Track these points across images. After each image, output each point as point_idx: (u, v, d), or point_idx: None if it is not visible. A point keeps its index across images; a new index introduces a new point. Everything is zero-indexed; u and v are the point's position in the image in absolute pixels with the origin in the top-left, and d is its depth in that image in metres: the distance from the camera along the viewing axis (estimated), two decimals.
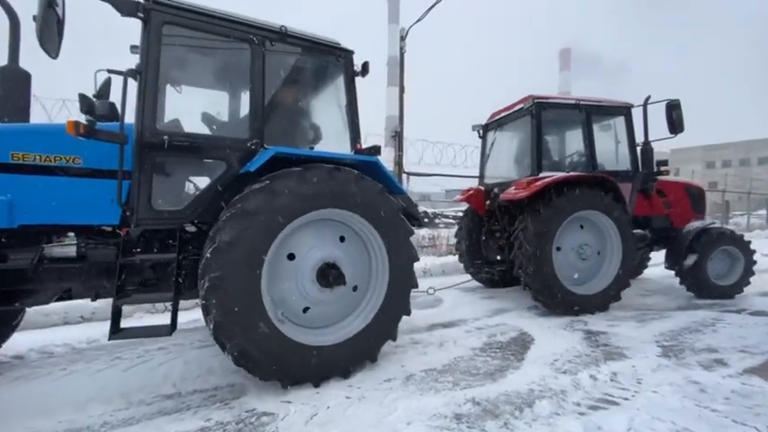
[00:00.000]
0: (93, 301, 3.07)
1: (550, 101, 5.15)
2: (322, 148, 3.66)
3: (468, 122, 6.40)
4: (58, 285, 2.83)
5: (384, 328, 3.18)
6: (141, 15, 2.69)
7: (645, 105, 5.30)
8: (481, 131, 6.25)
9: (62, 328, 4.48)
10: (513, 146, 5.91)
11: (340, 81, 3.56)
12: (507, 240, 5.00)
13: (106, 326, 2.69)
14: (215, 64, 3.57)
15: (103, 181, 2.75)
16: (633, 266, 5.14)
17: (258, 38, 3.08)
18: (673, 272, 5.61)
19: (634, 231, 5.12)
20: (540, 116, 5.02)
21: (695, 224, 5.60)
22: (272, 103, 3.40)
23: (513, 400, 2.63)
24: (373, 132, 11.19)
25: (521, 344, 3.79)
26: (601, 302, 4.77)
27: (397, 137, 9.79)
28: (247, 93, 3.13)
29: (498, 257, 5.68)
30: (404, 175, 10.08)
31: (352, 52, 3.53)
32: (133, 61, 2.89)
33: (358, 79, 3.63)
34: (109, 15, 2.68)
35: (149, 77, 2.72)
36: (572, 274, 4.78)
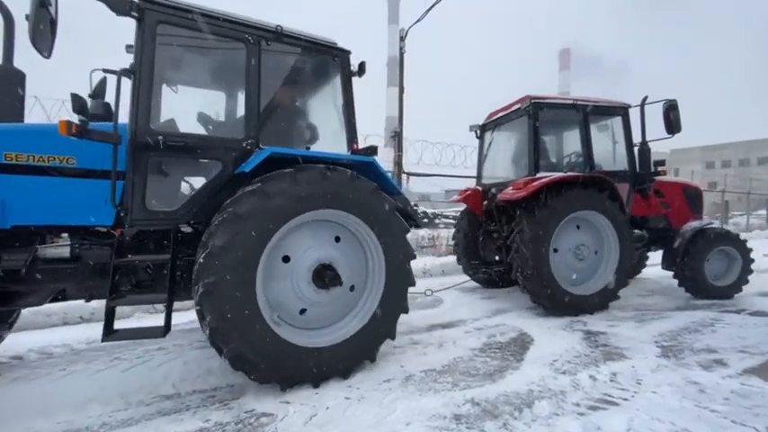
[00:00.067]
0: (87, 302, 3.05)
1: (547, 101, 5.14)
2: (319, 148, 3.65)
3: (467, 123, 6.40)
4: (52, 286, 2.81)
5: (382, 327, 3.17)
6: (135, 14, 2.67)
7: (642, 106, 5.30)
8: (478, 132, 6.24)
9: (61, 328, 4.48)
10: (510, 146, 5.91)
11: (337, 81, 3.54)
12: (505, 241, 5.00)
13: (101, 328, 2.69)
14: (211, 64, 3.55)
15: (98, 181, 2.74)
16: (631, 266, 5.14)
17: (254, 37, 3.06)
18: (671, 272, 5.61)
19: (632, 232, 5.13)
20: (537, 116, 5.02)
21: (692, 224, 5.60)
22: (268, 103, 3.38)
23: (512, 400, 2.63)
24: (373, 133, 11.22)
25: (520, 344, 3.79)
26: (599, 302, 4.77)
27: (397, 137, 9.79)
28: (243, 93, 3.11)
29: (496, 258, 5.68)
30: (403, 176, 10.09)
31: (348, 52, 3.52)
32: (131, 61, 2.88)
33: (357, 79, 3.62)
34: (110, 15, 2.66)
35: (143, 77, 2.70)
36: (570, 275, 4.78)
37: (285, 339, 2.76)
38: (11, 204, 2.56)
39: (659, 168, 5.39)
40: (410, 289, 3.36)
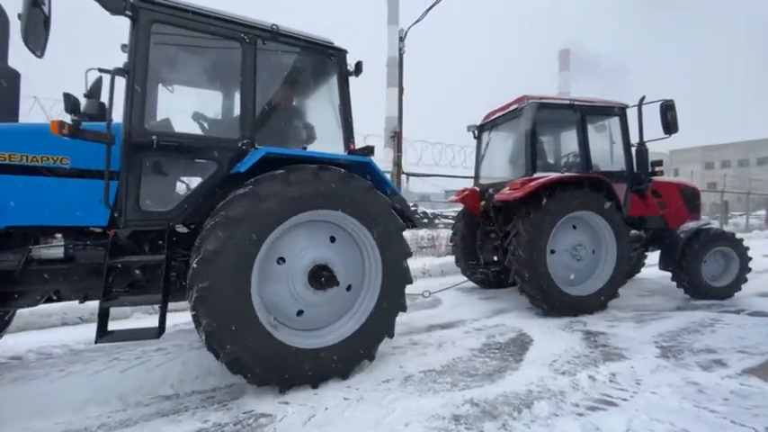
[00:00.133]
0: (81, 303, 3.02)
1: (545, 101, 5.14)
2: (316, 148, 3.64)
3: (467, 123, 6.40)
4: (45, 287, 2.79)
5: (381, 325, 3.16)
6: (129, 14, 2.66)
7: (640, 106, 5.30)
8: (476, 132, 6.24)
9: (60, 329, 4.47)
10: (507, 146, 5.90)
11: (333, 80, 3.52)
12: (502, 241, 5.00)
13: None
14: (206, 63, 3.53)
15: (92, 181, 2.72)
16: (629, 267, 5.14)
17: (249, 37, 3.05)
18: (669, 272, 5.61)
19: (629, 232, 5.12)
20: (534, 116, 5.01)
21: (690, 225, 5.60)
22: (264, 103, 3.37)
23: (511, 401, 2.62)
24: (373, 133, 11.19)
25: (519, 345, 3.78)
26: (596, 302, 4.77)
27: (396, 137, 9.79)
28: (239, 92, 3.09)
29: (494, 258, 5.68)
30: (403, 176, 10.08)
31: (345, 51, 3.50)
32: (125, 60, 2.86)
33: (356, 79, 3.61)
34: (109, 15, 2.65)
35: (137, 76, 2.68)
36: (568, 276, 4.78)
37: (282, 342, 2.75)
38: (4, 205, 2.55)
39: (656, 168, 5.39)
40: (407, 290, 3.34)
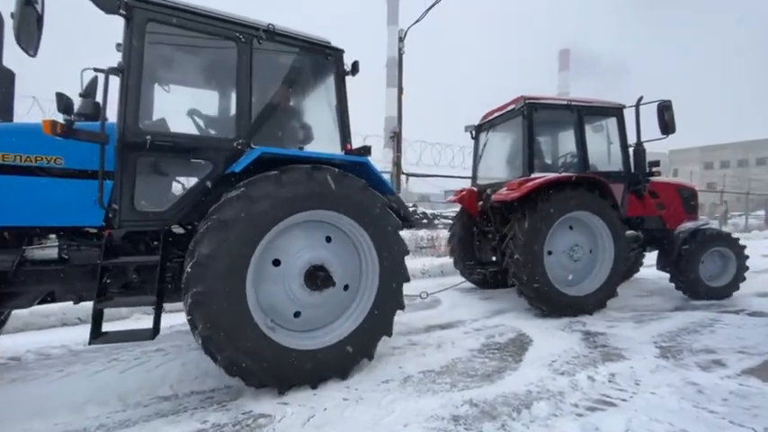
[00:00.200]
0: (75, 304, 2.99)
1: (542, 101, 5.14)
2: (313, 148, 3.62)
3: (466, 123, 6.40)
4: (40, 288, 2.77)
5: (379, 324, 3.15)
6: (123, 13, 2.64)
7: (637, 106, 5.31)
8: (473, 132, 6.24)
9: (59, 329, 4.46)
10: (505, 146, 5.90)
11: (330, 80, 3.51)
12: (499, 242, 5.00)
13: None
14: (202, 63, 3.51)
15: (86, 181, 2.70)
16: (626, 267, 5.14)
17: (245, 36, 3.03)
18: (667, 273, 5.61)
19: (627, 233, 5.12)
20: (531, 117, 5.01)
21: (687, 225, 5.61)
22: (260, 103, 3.35)
23: (510, 401, 2.62)
24: (373, 133, 11.19)
25: (519, 345, 3.78)
26: (595, 302, 4.77)
27: (396, 138, 9.79)
28: (235, 92, 3.08)
29: (492, 258, 5.67)
30: (402, 176, 10.08)
31: (342, 51, 3.48)
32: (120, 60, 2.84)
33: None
34: (105, 14, 2.64)
35: (132, 76, 2.66)
36: (566, 276, 4.78)
37: (280, 344, 2.73)
38: None
39: (654, 169, 5.40)
40: (405, 292, 3.33)
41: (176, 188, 3.25)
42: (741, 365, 3.16)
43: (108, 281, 2.74)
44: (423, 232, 10.94)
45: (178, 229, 3.10)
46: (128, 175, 2.68)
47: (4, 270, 2.59)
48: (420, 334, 4.16)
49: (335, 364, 2.93)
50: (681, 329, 4.16)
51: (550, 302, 4.55)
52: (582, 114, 5.22)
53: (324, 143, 3.59)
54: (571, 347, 3.63)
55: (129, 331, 2.76)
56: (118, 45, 2.91)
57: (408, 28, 9.97)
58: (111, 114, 2.69)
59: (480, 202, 5.77)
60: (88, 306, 4.53)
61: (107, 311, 4.47)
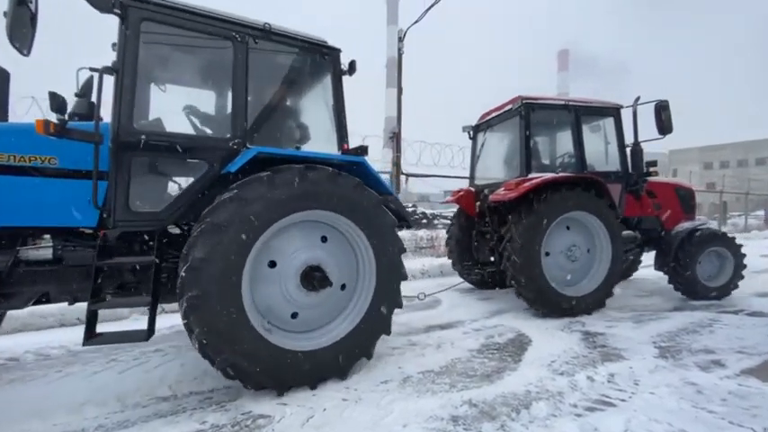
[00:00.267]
0: (70, 305, 2.97)
1: (539, 101, 5.13)
2: (310, 148, 3.60)
3: (465, 123, 6.40)
4: (34, 289, 2.75)
5: (377, 322, 3.14)
6: (118, 12, 2.63)
7: (634, 106, 5.31)
8: (471, 132, 6.24)
9: (58, 330, 4.46)
10: (502, 147, 5.90)
11: (327, 80, 3.49)
12: (497, 242, 5.00)
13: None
14: (197, 62, 3.50)
15: (81, 182, 2.68)
16: (625, 267, 5.14)
17: (241, 35, 3.02)
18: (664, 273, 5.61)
19: (624, 233, 5.12)
20: (528, 117, 5.01)
21: (685, 225, 5.61)
22: (256, 103, 3.34)
23: (509, 401, 2.62)
24: (372, 133, 11.15)
25: (518, 345, 3.78)
26: (593, 302, 4.77)
27: (395, 138, 9.79)
28: (231, 92, 3.06)
29: (490, 259, 5.67)
30: (402, 176, 10.08)
31: (338, 50, 3.47)
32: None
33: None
34: (100, 13, 2.63)
35: (126, 75, 2.65)
36: (564, 277, 4.77)
37: (278, 345, 2.72)
38: None
39: (651, 169, 5.40)
40: (403, 293, 3.32)
41: (172, 188, 3.23)
42: (740, 365, 3.16)
43: (103, 282, 2.72)
44: (422, 232, 10.94)
45: (175, 230, 3.08)
46: (122, 175, 2.66)
47: None
48: (419, 334, 4.16)
49: (334, 364, 2.93)
50: (680, 330, 4.16)
51: (548, 303, 4.56)
52: (579, 114, 5.22)
53: (321, 143, 3.58)
54: (570, 348, 3.63)
55: (124, 332, 2.74)
56: (113, 44, 2.90)
57: (408, 28, 9.97)
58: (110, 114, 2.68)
59: (478, 203, 5.77)
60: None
61: (107, 312, 4.50)
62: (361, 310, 3.12)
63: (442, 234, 10.35)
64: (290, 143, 3.63)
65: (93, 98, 2.73)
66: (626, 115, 5.44)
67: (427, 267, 7.92)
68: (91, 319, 2.57)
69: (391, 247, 3.19)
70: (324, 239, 3.09)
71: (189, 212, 2.83)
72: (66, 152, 2.66)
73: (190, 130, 3.38)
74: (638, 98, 5.29)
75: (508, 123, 5.43)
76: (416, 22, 9.91)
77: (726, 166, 48.42)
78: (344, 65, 3.52)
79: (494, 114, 5.65)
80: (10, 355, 3.59)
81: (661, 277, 5.71)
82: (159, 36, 2.87)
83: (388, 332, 3.23)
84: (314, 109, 3.76)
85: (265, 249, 2.82)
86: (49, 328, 4.50)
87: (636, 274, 7.06)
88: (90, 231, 2.85)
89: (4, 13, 2.32)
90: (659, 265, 5.63)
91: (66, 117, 2.54)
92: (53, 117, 2.50)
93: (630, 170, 5.41)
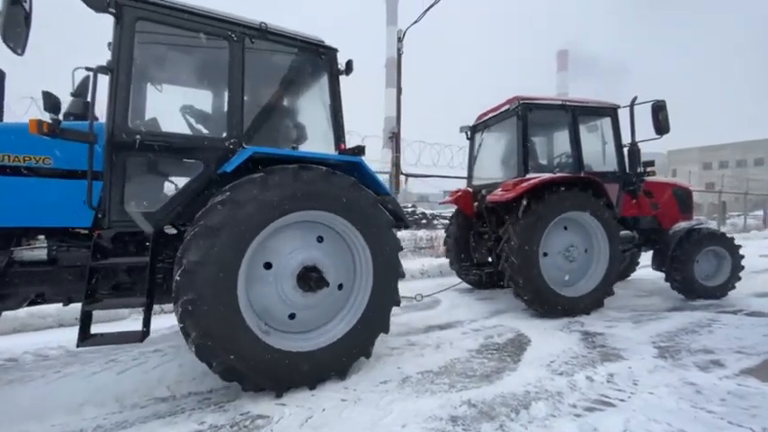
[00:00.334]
0: (65, 305, 2.96)
1: (536, 102, 5.13)
2: (307, 148, 3.59)
3: (464, 123, 6.40)
4: (28, 289, 2.74)
5: (375, 322, 3.13)
6: (113, 11, 2.62)
7: (632, 106, 5.31)
8: (469, 133, 6.24)
9: (57, 330, 4.45)
10: (500, 147, 5.90)
11: (324, 80, 3.48)
12: (495, 242, 5.00)
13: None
14: (193, 62, 3.48)
15: (75, 182, 2.67)
16: (623, 267, 5.13)
17: (237, 35, 3.00)
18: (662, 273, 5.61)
19: (622, 233, 5.11)
20: (525, 117, 5.01)
21: (682, 225, 5.62)
22: (252, 102, 3.32)
23: (509, 401, 2.62)
24: (372, 134, 11.15)
25: (517, 345, 3.78)
26: (591, 302, 4.77)
27: (395, 138, 9.79)
28: (227, 91, 3.05)
29: (488, 259, 5.67)
30: (401, 176, 10.08)
31: (335, 50, 3.46)
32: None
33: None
34: (95, 12, 2.62)
35: (121, 75, 2.64)
36: (562, 277, 4.78)
37: (275, 347, 2.71)
38: None
39: (648, 169, 5.40)
40: (401, 294, 3.31)
41: (168, 188, 3.21)
42: (739, 365, 3.16)
43: (98, 282, 2.70)
44: (422, 232, 10.94)
45: (171, 230, 3.07)
46: (117, 176, 2.65)
47: None
48: (419, 334, 4.16)
49: (333, 363, 2.92)
50: (679, 330, 4.16)
51: (547, 304, 4.56)
52: (576, 114, 5.22)
53: (318, 143, 3.57)
54: (569, 348, 3.63)
55: (119, 333, 2.72)
56: (109, 44, 2.90)
57: (407, 29, 9.96)
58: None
59: (476, 203, 5.76)
60: None
61: (107, 312, 4.49)
62: (358, 310, 3.11)
63: (442, 234, 10.34)
64: (286, 143, 3.61)
65: (89, 98, 2.72)
66: (623, 115, 5.46)
67: (426, 267, 7.92)
68: (85, 320, 2.56)
69: (387, 245, 3.17)
70: (320, 239, 3.07)
71: (185, 213, 2.82)
72: (60, 152, 2.65)
73: (186, 130, 3.37)
74: (635, 98, 5.30)
75: (505, 123, 5.43)
76: (416, 22, 9.91)
77: (725, 166, 48.46)
78: (342, 64, 3.51)
79: (491, 115, 5.65)
80: (9, 356, 3.58)
81: (660, 277, 5.71)
82: (155, 35, 2.86)
83: (387, 331, 3.23)
84: (311, 109, 3.74)
85: (261, 251, 2.80)
86: (48, 329, 4.49)
87: (635, 274, 7.07)
88: (85, 232, 2.83)
89: None
90: (657, 264, 5.63)
91: (61, 117, 2.53)
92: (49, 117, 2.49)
93: (628, 170, 5.42)
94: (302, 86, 3.78)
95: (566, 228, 4.87)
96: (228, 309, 2.54)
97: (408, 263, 7.83)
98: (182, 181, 3.02)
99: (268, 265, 2.85)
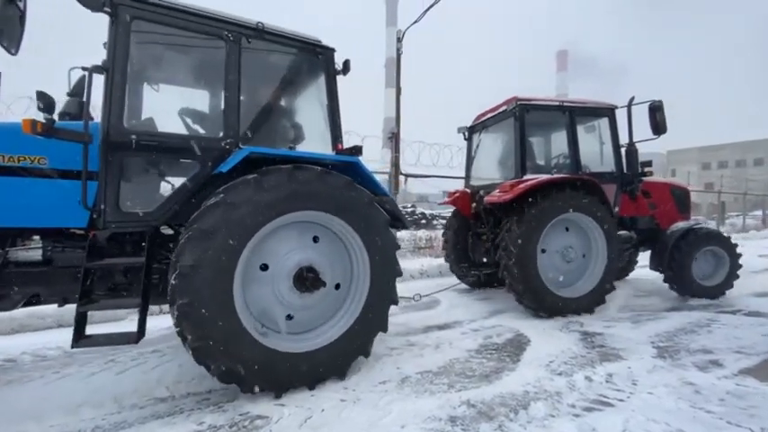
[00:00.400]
0: (60, 306, 2.94)
1: (534, 102, 5.13)
2: (304, 148, 3.58)
3: (464, 124, 6.40)
4: (23, 290, 2.72)
5: (374, 321, 3.12)
6: (108, 10, 2.61)
7: (629, 107, 5.32)
8: (466, 134, 6.23)
9: (55, 330, 4.45)
10: (497, 148, 5.90)
11: (321, 79, 3.47)
12: (493, 243, 5.00)
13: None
14: (190, 61, 3.47)
15: (71, 182, 2.65)
16: (620, 268, 5.13)
17: (234, 34, 2.99)
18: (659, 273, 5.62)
19: (620, 233, 5.11)
20: (523, 118, 5.01)
21: (680, 225, 5.62)
22: (249, 102, 3.31)
23: (508, 401, 2.62)
24: (371, 134, 11.14)
25: (516, 345, 3.78)
26: (588, 303, 4.77)
27: (394, 138, 9.78)
28: (223, 91, 3.04)
29: (485, 260, 5.67)
30: (401, 177, 10.07)
31: (332, 50, 3.44)
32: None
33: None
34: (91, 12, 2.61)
35: (116, 74, 2.63)
36: (557, 278, 4.78)
37: (273, 348, 2.70)
38: None
39: (646, 169, 5.41)
40: (399, 294, 3.30)
41: (164, 188, 3.19)
42: (738, 365, 3.16)
43: (93, 283, 2.69)
44: (421, 233, 10.93)
45: (167, 230, 3.06)
46: (112, 176, 2.64)
47: None
48: (418, 334, 4.15)
49: (332, 363, 2.92)
50: (678, 329, 4.16)
51: (545, 305, 4.56)
52: (574, 115, 5.22)
53: (315, 143, 3.55)
54: (569, 348, 3.63)
55: (113, 334, 2.71)
56: (104, 43, 2.90)
57: (407, 29, 9.96)
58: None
59: (474, 204, 5.76)
60: None
61: (104, 313, 4.48)
62: (356, 309, 3.10)
63: (441, 234, 10.37)
64: (283, 143, 3.60)
65: (85, 98, 2.72)
66: (621, 116, 5.46)
67: (426, 268, 7.92)
68: (80, 321, 2.55)
69: (384, 243, 3.16)
70: (315, 240, 3.06)
71: (181, 213, 2.80)
72: (55, 152, 2.63)
73: (182, 130, 3.36)
74: (632, 98, 5.30)
75: (503, 124, 5.43)
76: (415, 22, 9.91)
77: (724, 166, 48.54)
78: (339, 64, 3.51)
79: (489, 115, 5.65)
80: (7, 357, 3.57)
81: (659, 277, 5.72)
82: (150, 35, 2.85)
83: (385, 330, 3.22)
84: (308, 109, 3.73)
85: (257, 252, 2.79)
86: (47, 329, 4.48)
87: (633, 274, 7.07)
88: (80, 232, 2.82)
89: None
90: (655, 264, 5.63)
91: (57, 116, 2.52)
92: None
93: (626, 170, 5.42)
94: (299, 86, 3.77)
95: (567, 229, 4.87)
96: (225, 311, 2.52)
97: (407, 263, 7.83)
98: (178, 181, 3.01)
99: (264, 267, 2.84)
